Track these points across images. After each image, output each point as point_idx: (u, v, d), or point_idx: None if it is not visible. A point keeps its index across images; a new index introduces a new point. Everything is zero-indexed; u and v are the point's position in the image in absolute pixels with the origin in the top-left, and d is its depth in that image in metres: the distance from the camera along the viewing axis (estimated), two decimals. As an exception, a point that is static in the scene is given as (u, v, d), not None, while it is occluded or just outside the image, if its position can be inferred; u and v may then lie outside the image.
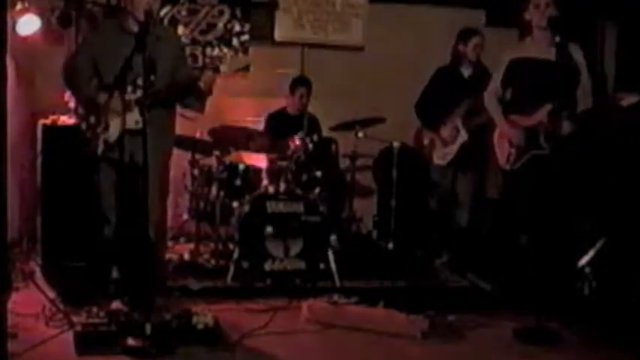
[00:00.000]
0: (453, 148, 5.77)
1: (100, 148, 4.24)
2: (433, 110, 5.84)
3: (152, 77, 4.11)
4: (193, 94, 4.33)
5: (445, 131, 5.79)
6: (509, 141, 4.74)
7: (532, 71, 4.62)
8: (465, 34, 5.81)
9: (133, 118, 4.13)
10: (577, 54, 4.61)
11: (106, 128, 4.21)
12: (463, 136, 5.72)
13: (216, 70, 4.32)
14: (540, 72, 4.57)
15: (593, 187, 5.38)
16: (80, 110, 4.39)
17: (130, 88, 4.16)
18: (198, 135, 5.69)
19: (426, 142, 5.93)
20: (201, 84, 4.22)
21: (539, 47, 4.59)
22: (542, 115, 4.52)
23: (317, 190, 5.44)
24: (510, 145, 4.73)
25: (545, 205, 4.54)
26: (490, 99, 4.94)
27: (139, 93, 4.10)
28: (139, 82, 4.06)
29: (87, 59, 4.30)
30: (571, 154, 4.67)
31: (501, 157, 4.81)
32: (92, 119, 4.25)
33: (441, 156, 5.84)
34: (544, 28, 4.56)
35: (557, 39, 4.46)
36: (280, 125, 6.06)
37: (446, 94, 5.81)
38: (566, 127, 4.50)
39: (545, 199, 4.53)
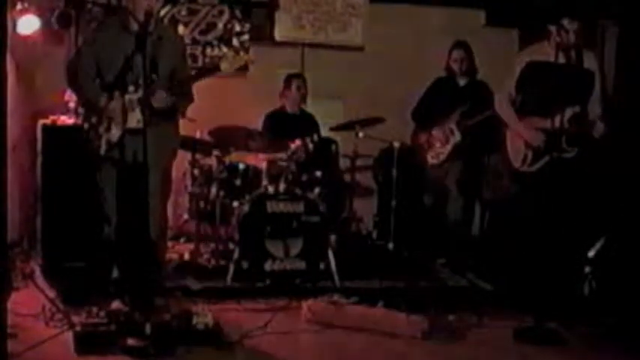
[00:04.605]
0: (447, 148, 5.82)
1: (103, 149, 4.24)
2: (428, 117, 5.93)
3: (154, 77, 4.12)
4: (187, 96, 4.33)
5: (438, 132, 5.83)
6: (525, 142, 4.70)
7: (551, 74, 4.56)
8: (451, 48, 5.92)
9: (135, 118, 4.13)
10: (591, 61, 4.62)
11: (109, 128, 4.21)
12: (457, 136, 5.77)
13: (216, 68, 4.32)
14: (559, 75, 4.49)
15: (610, 188, 5.35)
16: (81, 110, 4.39)
17: (131, 88, 4.17)
18: (198, 135, 5.69)
19: (421, 142, 5.96)
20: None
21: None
22: (565, 117, 4.45)
23: (317, 190, 5.44)
24: (526, 146, 4.70)
25: (560, 207, 4.51)
26: (501, 102, 4.89)
27: (141, 93, 4.10)
28: (141, 81, 4.06)
29: (90, 60, 4.29)
30: (603, 155, 4.63)
31: (515, 159, 4.78)
32: (94, 119, 4.25)
33: (435, 156, 5.88)
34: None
35: (558, 39, 4.46)
36: (279, 125, 6.05)
37: (441, 102, 5.89)
38: (599, 128, 4.47)
39: (564, 200, 4.50)
